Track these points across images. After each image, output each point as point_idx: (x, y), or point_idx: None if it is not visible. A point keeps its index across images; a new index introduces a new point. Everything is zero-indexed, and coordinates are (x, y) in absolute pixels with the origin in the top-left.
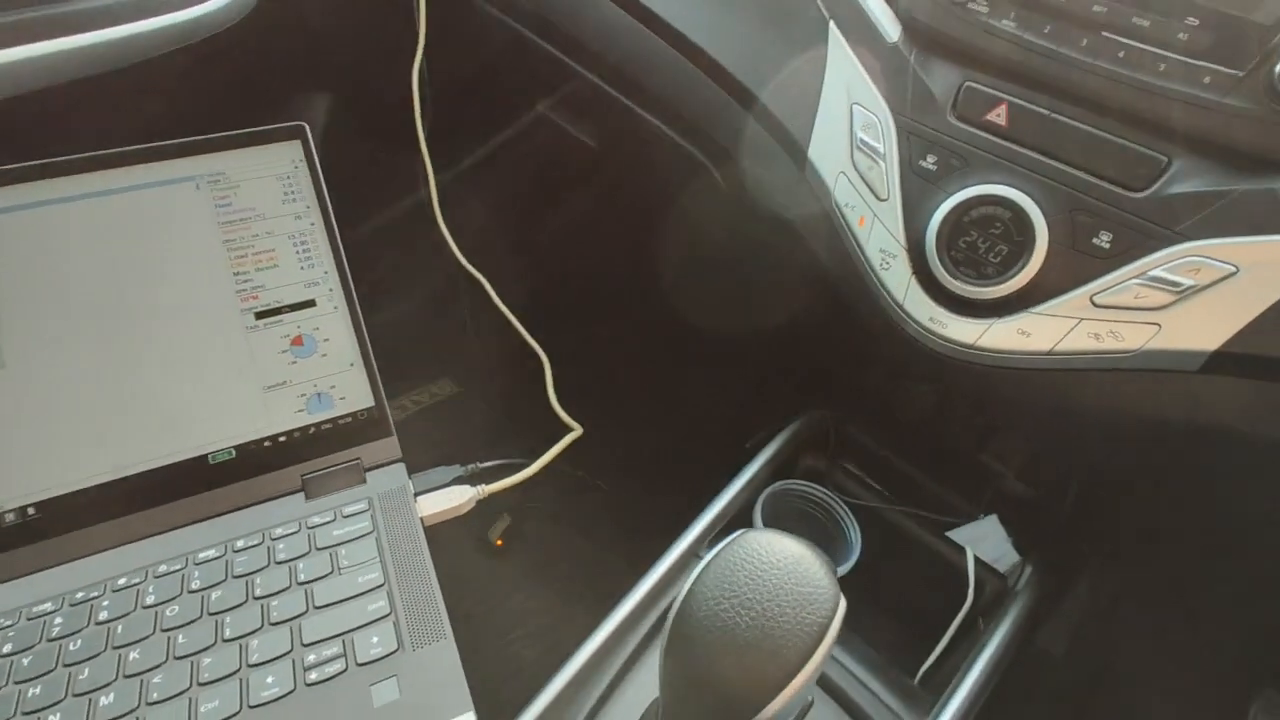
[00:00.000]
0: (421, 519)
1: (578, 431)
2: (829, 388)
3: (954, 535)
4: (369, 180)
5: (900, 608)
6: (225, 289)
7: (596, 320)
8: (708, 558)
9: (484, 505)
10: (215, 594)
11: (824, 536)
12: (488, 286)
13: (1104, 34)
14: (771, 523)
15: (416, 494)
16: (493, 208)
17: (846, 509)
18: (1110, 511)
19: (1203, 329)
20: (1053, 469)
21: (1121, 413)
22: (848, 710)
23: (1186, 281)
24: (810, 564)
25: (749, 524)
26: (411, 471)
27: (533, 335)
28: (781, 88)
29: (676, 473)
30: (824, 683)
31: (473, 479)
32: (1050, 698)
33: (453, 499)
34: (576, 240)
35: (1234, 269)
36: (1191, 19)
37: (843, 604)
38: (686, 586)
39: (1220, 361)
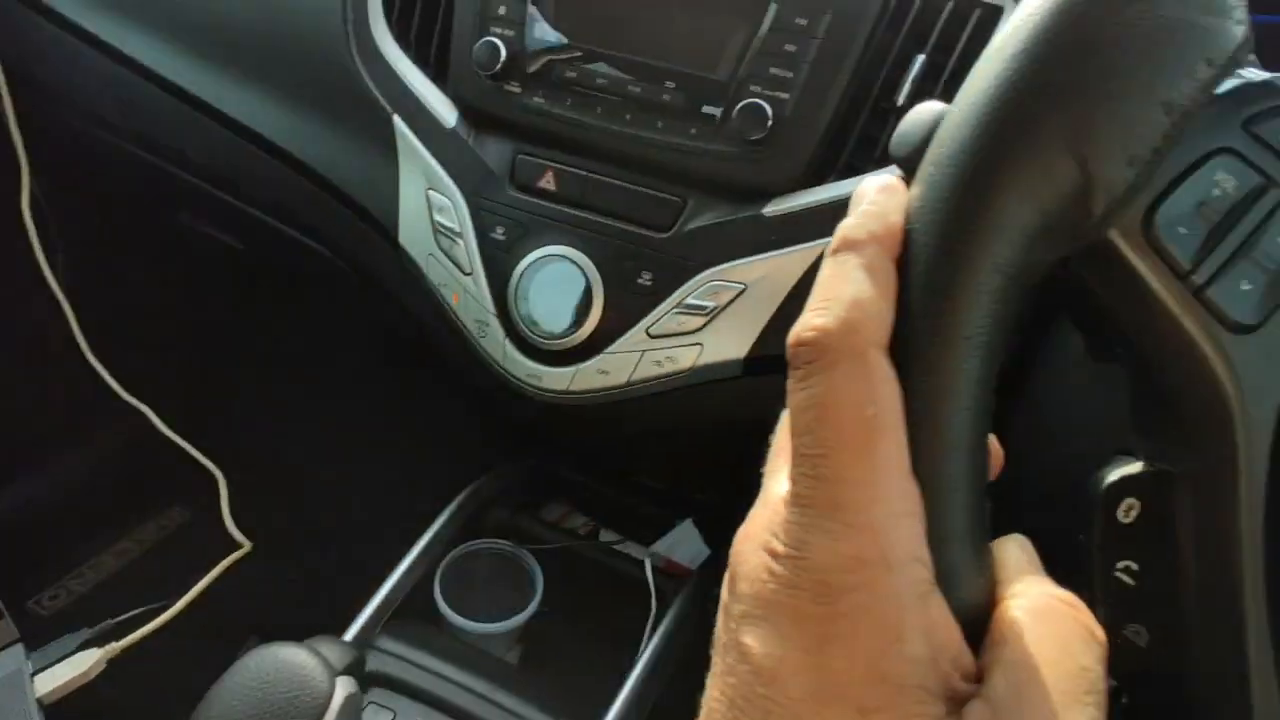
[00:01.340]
0: (39, 699)
1: (245, 548)
2: (516, 441)
3: (655, 548)
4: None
5: (605, 635)
6: None
7: (277, 424)
8: (215, 685)
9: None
10: None
11: (512, 589)
12: (150, 415)
13: (611, 101)
14: (454, 591)
15: (35, 672)
16: (148, 329)
17: (532, 557)
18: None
19: (731, 341)
20: (689, 474)
21: (702, 421)
22: None
23: (710, 304)
24: (300, 670)
25: (430, 599)
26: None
27: (215, 449)
28: (366, 181)
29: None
30: None
31: (101, 639)
32: None
33: (77, 667)
34: (240, 346)
35: (742, 286)
36: (669, 82)
37: (339, 694)
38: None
39: (752, 366)
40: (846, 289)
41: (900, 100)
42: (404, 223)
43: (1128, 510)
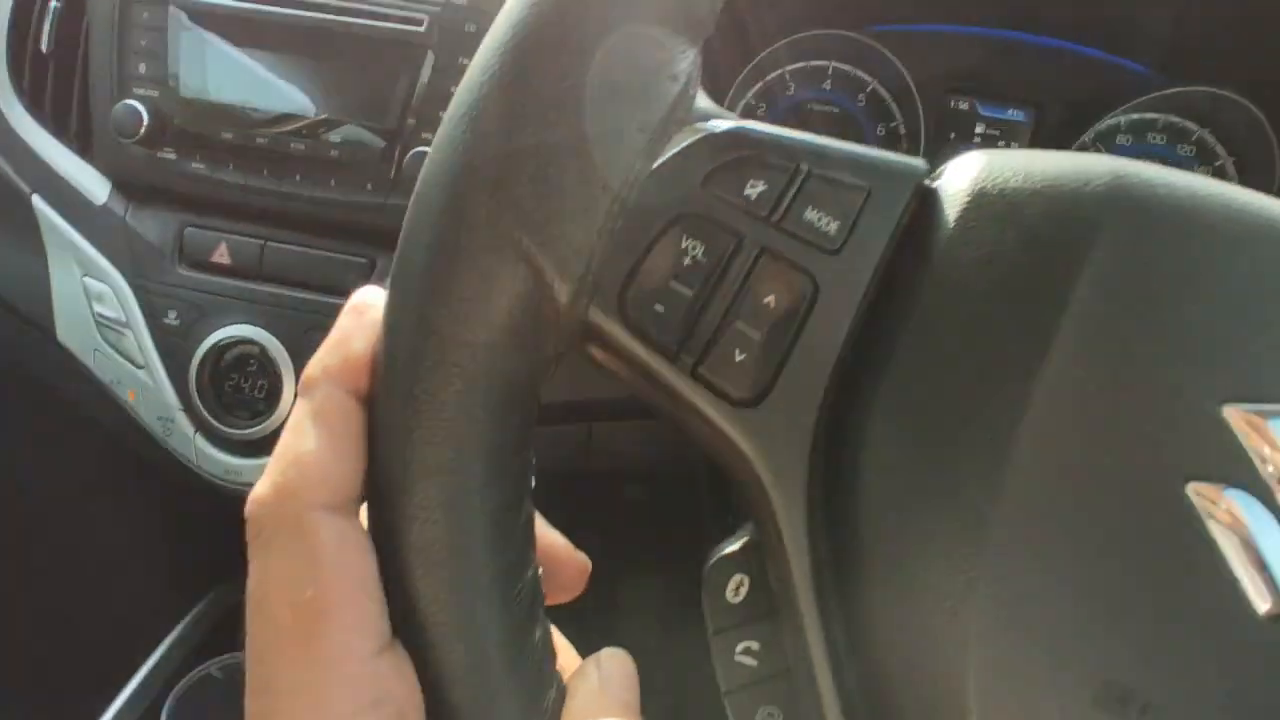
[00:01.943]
0: None
1: None
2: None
3: None
4: None
5: None
6: None
7: None
8: None
9: None
10: None
11: None
12: None
13: (277, 161)
14: None
15: None
16: None
17: None
18: None
19: None
20: None
21: None
22: None
23: None
24: None
25: None
26: None
27: None
28: (10, 272)
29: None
30: None
31: None
32: None
33: None
34: None
35: None
36: (335, 136)
37: None
38: None
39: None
40: (291, 444)
41: None
42: (61, 317)
43: (737, 588)
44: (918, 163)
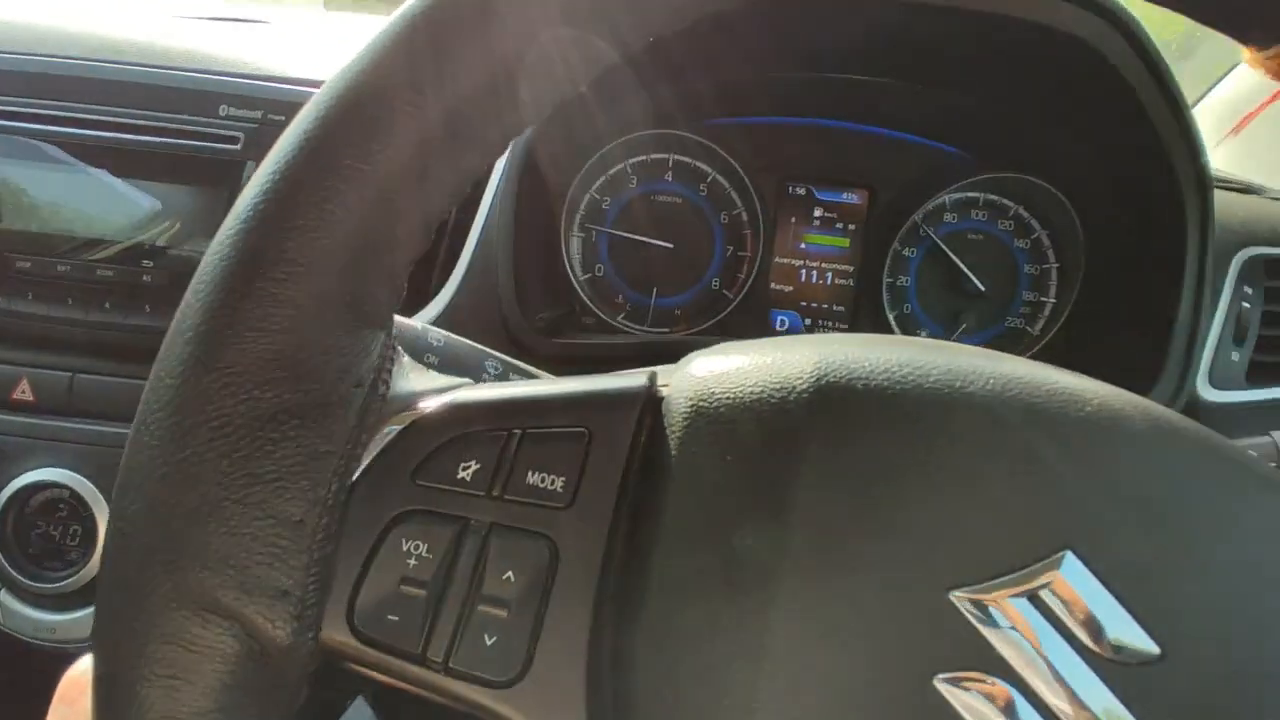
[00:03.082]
0: None
1: None
2: None
3: None
4: None
5: None
6: None
7: None
8: None
9: None
10: None
11: None
12: None
13: (84, 290)
14: None
15: None
16: None
17: None
18: None
19: None
20: None
21: None
22: None
23: None
24: None
25: None
26: None
27: None
28: None
29: None
30: None
31: None
32: None
33: None
34: None
35: None
36: (147, 260)
37: None
38: None
39: None
40: None
41: None
42: None
43: None
44: (638, 382)
